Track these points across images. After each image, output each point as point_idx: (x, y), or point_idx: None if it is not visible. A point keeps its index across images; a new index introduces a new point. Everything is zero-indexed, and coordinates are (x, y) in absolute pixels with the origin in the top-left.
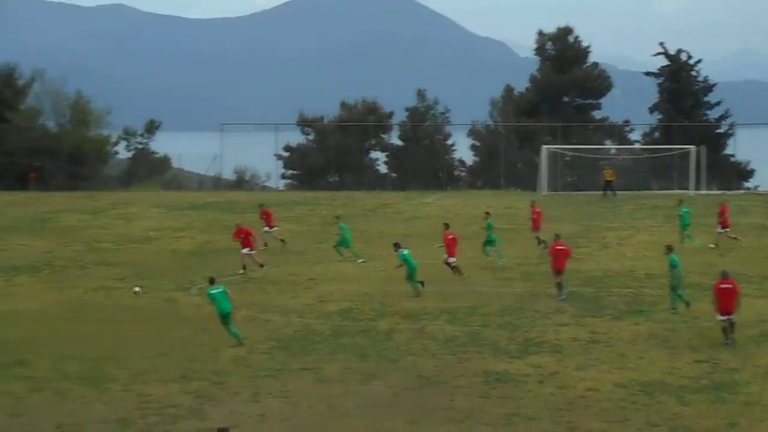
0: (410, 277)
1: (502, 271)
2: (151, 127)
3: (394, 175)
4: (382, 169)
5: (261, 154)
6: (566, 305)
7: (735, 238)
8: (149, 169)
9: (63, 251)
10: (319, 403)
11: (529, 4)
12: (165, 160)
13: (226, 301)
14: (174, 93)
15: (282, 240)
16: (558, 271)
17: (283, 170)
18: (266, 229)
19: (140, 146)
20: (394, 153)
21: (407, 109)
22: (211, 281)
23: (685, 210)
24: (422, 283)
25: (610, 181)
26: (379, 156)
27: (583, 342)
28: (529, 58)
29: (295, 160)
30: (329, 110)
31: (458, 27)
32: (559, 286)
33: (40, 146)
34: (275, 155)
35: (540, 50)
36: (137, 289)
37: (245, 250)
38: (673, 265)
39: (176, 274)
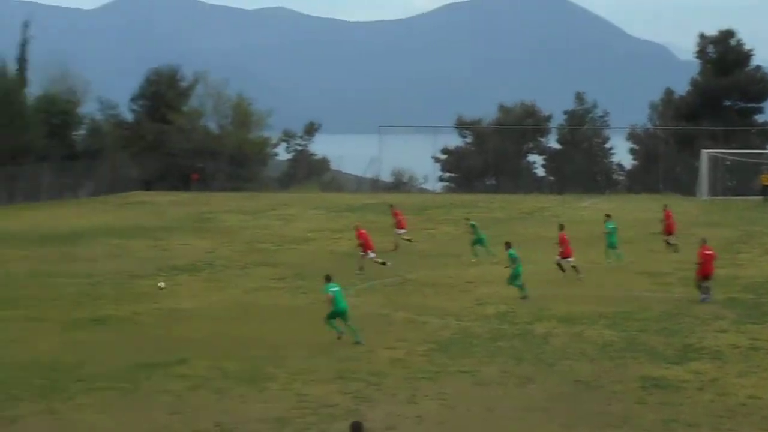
0: (514, 278)
1: (660, 275)
2: (311, 129)
3: (551, 178)
4: (540, 172)
5: (419, 157)
6: (726, 311)
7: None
8: (308, 171)
9: (223, 251)
10: (476, 406)
11: (691, 6)
12: (324, 162)
13: (343, 300)
14: (333, 95)
15: (409, 240)
16: (706, 276)
17: (440, 173)
18: (397, 231)
19: (300, 148)
20: (551, 156)
21: (566, 112)
22: (328, 279)
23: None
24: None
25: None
26: (536, 159)
27: (743, 349)
28: (689, 62)
29: (452, 162)
30: (487, 113)
31: (618, 30)
32: (706, 289)
33: (201, 147)
34: (433, 157)
35: (701, 53)
36: (162, 284)
37: (366, 253)
38: None
39: (334, 275)
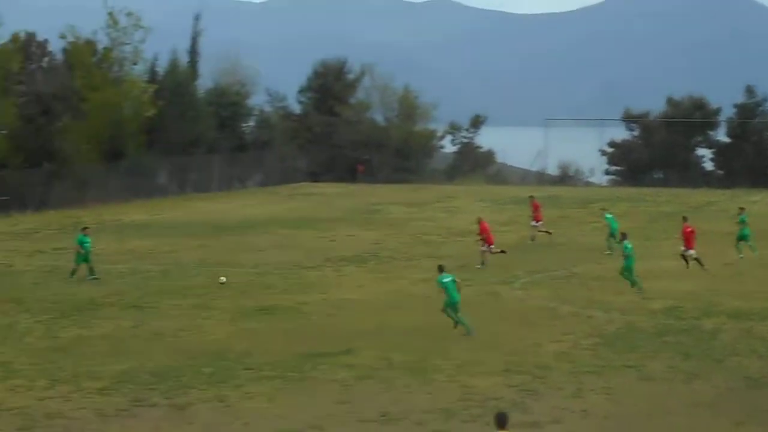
0: (625, 271)
1: None
2: (477, 122)
3: (720, 172)
4: (708, 166)
5: (585, 150)
6: None
7: (547, 232)
8: (474, 163)
9: (389, 242)
10: (642, 401)
11: None
12: (489, 155)
13: (455, 291)
14: (499, 87)
15: (548, 232)
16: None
17: (606, 166)
18: (533, 223)
19: (465, 140)
20: (720, 150)
21: (735, 106)
22: (440, 269)
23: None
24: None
25: None
26: (705, 153)
27: None
28: None
29: (619, 155)
30: (655, 106)
31: None
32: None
33: (368, 139)
34: (599, 151)
35: None
36: (223, 279)
37: (486, 247)
38: None
39: (499, 268)
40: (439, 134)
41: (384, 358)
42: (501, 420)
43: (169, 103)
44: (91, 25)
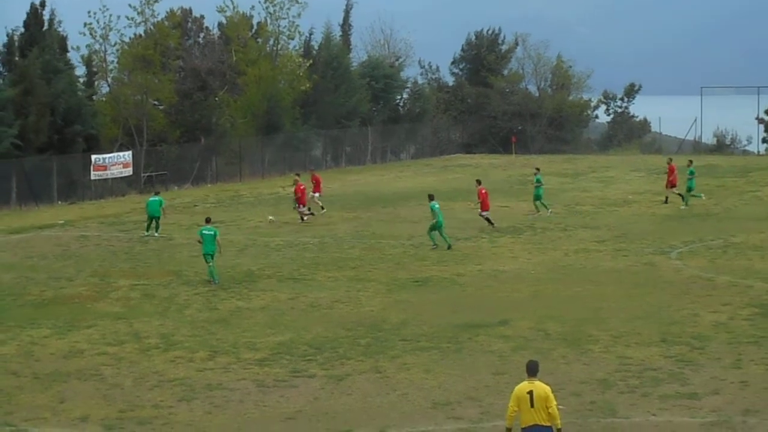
0: (432, 229)
1: None
2: (631, 91)
3: None
4: None
5: (741, 118)
6: None
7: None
8: (628, 133)
9: (543, 213)
10: None
11: None
12: (644, 124)
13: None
14: (654, 55)
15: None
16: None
17: (764, 134)
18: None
19: (620, 110)
20: None
21: None
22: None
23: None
24: None
25: None
26: None
27: None
28: None
29: None
30: None
31: None
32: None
33: (521, 110)
34: (756, 119)
35: None
36: (271, 217)
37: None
38: None
39: (655, 238)
40: (593, 104)
41: (539, 329)
42: (532, 368)
43: (323, 76)
44: (247, 1)
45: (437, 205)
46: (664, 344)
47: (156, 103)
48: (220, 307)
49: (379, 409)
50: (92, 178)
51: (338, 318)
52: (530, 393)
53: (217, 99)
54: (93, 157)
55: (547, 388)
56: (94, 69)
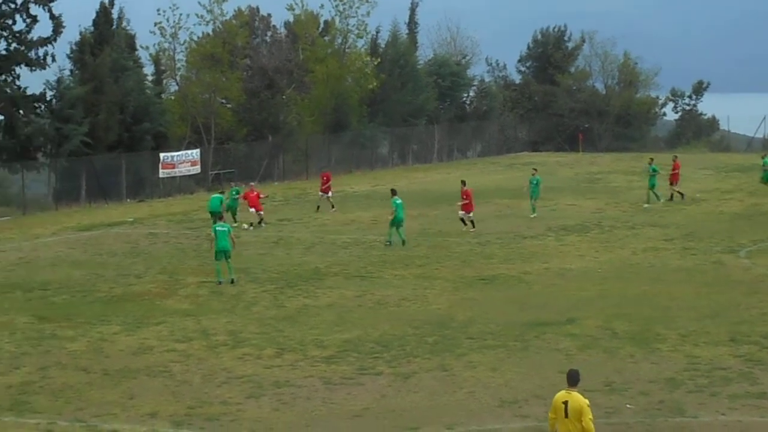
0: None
1: None
2: (699, 89)
3: None
4: None
5: None
6: None
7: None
8: (696, 131)
9: (611, 212)
10: None
11: None
12: (712, 122)
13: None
14: (722, 53)
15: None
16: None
17: None
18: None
19: (688, 107)
20: None
21: None
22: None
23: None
24: None
25: None
26: None
27: None
28: None
29: None
30: None
31: None
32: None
33: (588, 108)
34: None
35: None
36: (245, 225)
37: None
38: None
39: (723, 236)
40: (660, 101)
41: (607, 327)
42: (572, 378)
43: (390, 74)
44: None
45: (399, 201)
46: (732, 343)
47: (224, 101)
48: (287, 305)
49: (445, 407)
50: (161, 176)
51: (405, 316)
52: (565, 403)
53: (284, 97)
54: (161, 155)
55: (584, 401)
56: (163, 68)
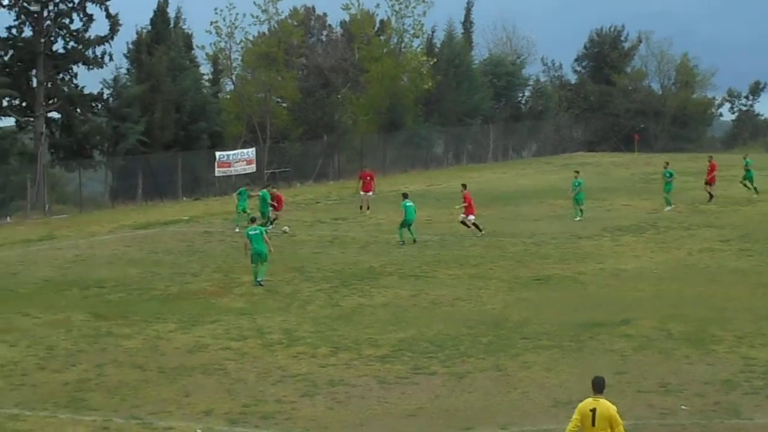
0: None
1: None
2: (756, 89)
3: None
4: None
5: None
6: None
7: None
8: (753, 131)
9: (667, 212)
10: None
11: None
12: None
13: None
14: None
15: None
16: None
17: None
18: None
19: (744, 108)
20: None
21: None
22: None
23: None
24: None
25: None
26: None
27: None
28: None
29: None
30: None
31: None
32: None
33: (644, 108)
34: None
35: None
36: (286, 228)
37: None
38: None
39: None
40: (717, 102)
41: (662, 328)
42: (598, 385)
43: (446, 74)
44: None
45: (410, 204)
46: None
47: (279, 100)
48: (342, 304)
49: (499, 407)
50: (216, 174)
51: (460, 315)
52: (593, 411)
53: (339, 96)
54: (217, 153)
55: (612, 408)
56: (219, 67)
